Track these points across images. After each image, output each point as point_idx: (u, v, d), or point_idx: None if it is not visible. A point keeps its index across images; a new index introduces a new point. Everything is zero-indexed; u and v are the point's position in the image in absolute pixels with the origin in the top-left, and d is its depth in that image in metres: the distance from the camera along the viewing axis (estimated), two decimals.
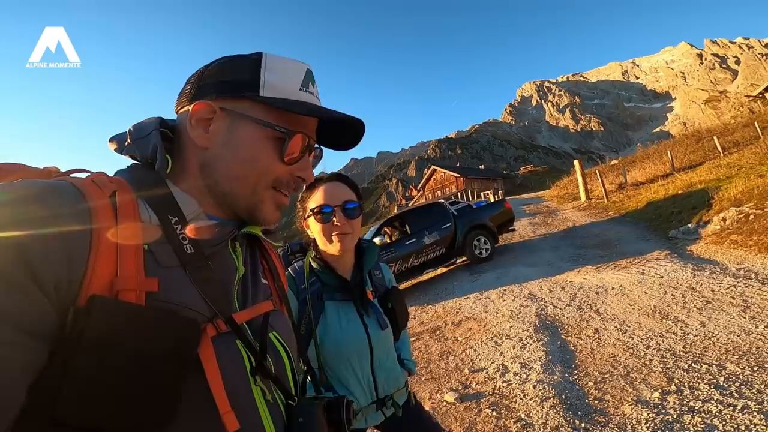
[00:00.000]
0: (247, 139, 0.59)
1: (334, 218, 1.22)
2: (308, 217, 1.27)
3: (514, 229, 10.46)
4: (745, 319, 3.38)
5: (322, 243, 1.27)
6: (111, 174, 0.58)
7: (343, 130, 0.69)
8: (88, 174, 0.55)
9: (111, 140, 0.63)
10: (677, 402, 2.43)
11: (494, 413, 2.81)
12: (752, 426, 2.05)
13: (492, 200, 10.11)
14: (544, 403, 2.78)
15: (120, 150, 0.61)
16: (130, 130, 0.60)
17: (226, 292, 0.60)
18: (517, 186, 56.53)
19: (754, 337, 3.04)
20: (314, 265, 1.28)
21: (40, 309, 0.41)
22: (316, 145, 0.69)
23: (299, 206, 1.32)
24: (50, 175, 0.54)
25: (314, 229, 1.26)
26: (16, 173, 0.51)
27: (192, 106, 0.58)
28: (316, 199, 1.25)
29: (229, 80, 0.59)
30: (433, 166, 60.44)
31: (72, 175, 0.55)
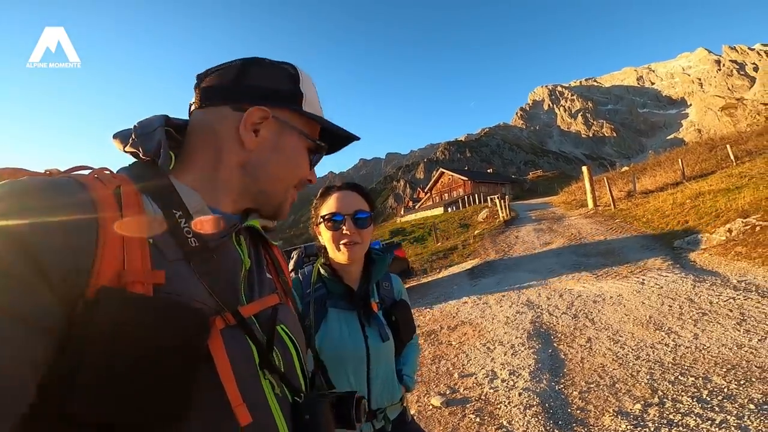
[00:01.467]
0: (293, 147, 0.67)
1: (344, 227, 1.21)
2: (319, 223, 1.27)
3: (412, 276, 10.07)
4: (740, 332, 3.35)
5: (331, 250, 1.26)
6: (114, 170, 0.60)
7: (338, 142, 0.79)
8: (91, 170, 0.55)
9: (115, 137, 0.64)
10: (657, 414, 2.43)
11: (477, 419, 2.84)
12: None
13: (390, 242, 9.92)
14: (527, 411, 2.79)
15: (124, 146, 0.62)
16: (135, 126, 0.62)
17: (233, 284, 0.61)
18: (525, 191, 56.06)
19: (746, 351, 3.02)
20: (322, 271, 1.28)
21: (46, 303, 0.41)
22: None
23: (312, 212, 1.32)
24: (52, 176, 0.54)
25: (324, 236, 1.26)
26: (15, 176, 0.50)
27: (248, 110, 0.62)
28: (328, 207, 1.25)
29: (273, 89, 0.65)
30: (441, 169, 60.32)
31: (74, 173, 0.54)
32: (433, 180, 60.47)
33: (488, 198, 26.39)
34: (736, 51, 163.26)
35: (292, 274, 1.33)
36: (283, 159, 0.66)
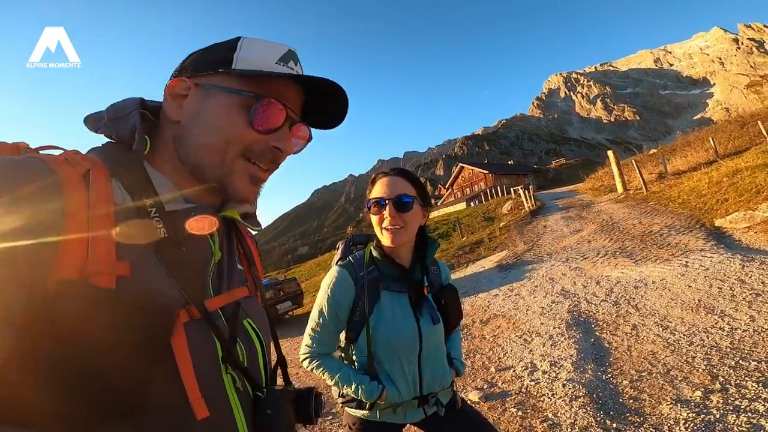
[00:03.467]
0: (215, 107, 0.59)
1: (385, 211, 1.22)
2: (368, 208, 1.29)
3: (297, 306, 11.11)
4: None
5: (378, 234, 1.27)
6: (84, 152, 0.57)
7: (326, 105, 0.68)
8: (61, 152, 0.53)
9: (86, 118, 0.61)
10: (721, 401, 2.24)
11: (519, 412, 2.71)
12: None
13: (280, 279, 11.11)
14: (574, 402, 2.64)
15: (95, 129, 0.60)
16: (108, 109, 0.60)
17: (201, 277, 0.59)
18: (549, 180, 54.60)
19: None
20: (374, 253, 1.28)
21: (10, 292, 0.40)
22: (302, 122, 0.68)
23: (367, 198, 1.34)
24: (18, 151, 0.51)
25: (372, 220, 1.28)
26: None
27: (169, 83, 0.60)
28: (375, 192, 1.27)
29: (205, 59, 0.61)
30: (460, 164, 59.49)
31: (42, 152, 0.53)
32: (453, 175, 59.74)
33: (511, 190, 25.82)
34: (753, 29, 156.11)
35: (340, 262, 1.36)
36: (209, 124, 0.58)
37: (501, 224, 15.44)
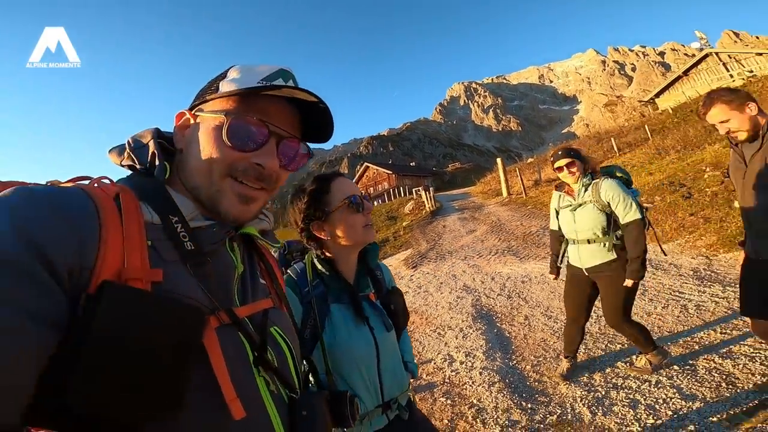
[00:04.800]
0: (200, 132, 0.63)
1: (364, 209, 1.20)
2: (334, 210, 1.19)
3: None
4: (646, 302, 3.95)
5: (353, 235, 1.20)
6: (114, 179, 0.63)
7: (313, 119, 0.70)
8: (91, 180, 0.58)
9: (110, 152, 0.67)
10: (603, 380, 2.75)
11: (449, 401, 2.93)
12: (668, 399, 2.39)
13: None
14: (492, 387, 2.96)
15: (120, 160, 0.65)
16: (128, 141, 0.65)
17: (227, 287, 0.63)
18: (445, 182, 59.31)
19: (654, 318, 3.57)
20: (319, 266, 1.23)
21: (51, 296, 0.43)
22: (292, 136, 0.68)
23: (306, 206, 1.22)
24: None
25: (345, 222, 1.19)
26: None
27: (175, 117, 0.66)
28: (344, 192, 1.20)
29: (201, 91, 0.67)
30: (366, 163, 60.71)
31: (78, 182, 0.57)
32: (358, 174, 60.53)
33: (413, 190, 27.34)
34: (619, 52, 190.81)
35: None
36: (196, 148, 0.63)
37: (404, 223, 16.24)
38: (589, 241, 2.58)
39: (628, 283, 2.45)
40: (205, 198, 0.63)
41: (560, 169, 2.62)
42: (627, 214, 2.45)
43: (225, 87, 0.63)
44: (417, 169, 68.26)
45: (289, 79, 0.67)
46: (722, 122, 1.94)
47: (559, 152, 2.64)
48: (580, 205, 2.59)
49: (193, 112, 0.65)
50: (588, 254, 2.60)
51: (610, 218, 2.52)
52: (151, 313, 0.47)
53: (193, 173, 0.63)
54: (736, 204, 2.19)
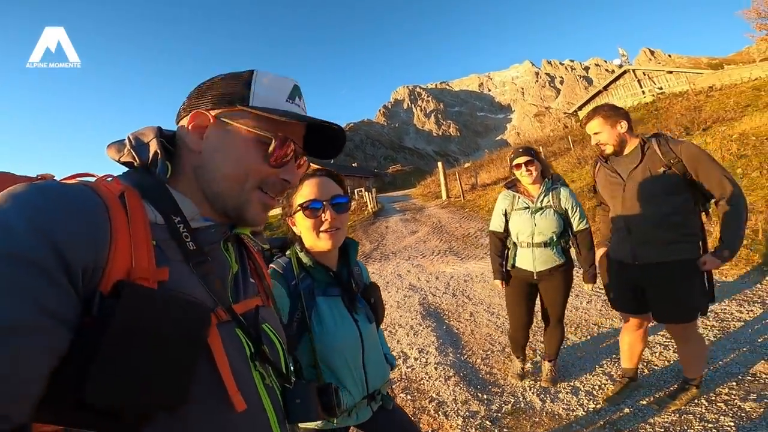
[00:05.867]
0: (236, 142, 0.64)
1: (323, 214, 1.21)
2: (295, 213, 1.24)
3: None
4: (572, 297, 4.38)
5: (311, 239, 1.24)
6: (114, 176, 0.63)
7: (326, 140, 0.76)
8: (96, 177, 0.60)
9: (109, 147, 0.66)
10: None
11: (409, 396, 2.99)
12: (603, 385, 2.68)
13: None
14: (448, 381, 3.08)
15: (119, 156, 0.65)
16: (129, 138, 0.65)
17: (224, 285, 0.66)
18: (386, 184, 60.25)
19: (581, 312, 4.00)
20: (304, 260, 1.26)
21: (68, 295, 0.44)
22: (304, 154, 0.75)
23: (284, 202, 1.28)
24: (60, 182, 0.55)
25: (302, 225, 1.23)
26: (4, 184, 0.50)
27: (190, 115, 0.65)
28: (303, 195, 1.22)
29: (223, 93, 0.65)
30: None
31: (81, 179, 0.58)
32: None
33: (355, 191, 27.35)
34: (551, 65, 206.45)
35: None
36: (229, 157, 0.65)
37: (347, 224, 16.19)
38: (545, 245, 2.56)
39: (588, 287, 2.61)
40: (231, 205, 0.66)
41: (518, 166, 2.57)
42: (582, 221, 2.55)
43: (256, 100, 0.64)
44: (359, 170, 68.25)
45: (301, 96, 0.72)
46: (596, 134, 2.17)
47: (520, 149, 2.62)
48: (541, 208, 2.58)
49: (214, 114, 0.64)
50: (542, 258, 2.58)
51: (564, 224, 2.59)
52: (164, 311, 0.49)
53: (219, 180, 0.64)
54: (597, 217, 2.49)
